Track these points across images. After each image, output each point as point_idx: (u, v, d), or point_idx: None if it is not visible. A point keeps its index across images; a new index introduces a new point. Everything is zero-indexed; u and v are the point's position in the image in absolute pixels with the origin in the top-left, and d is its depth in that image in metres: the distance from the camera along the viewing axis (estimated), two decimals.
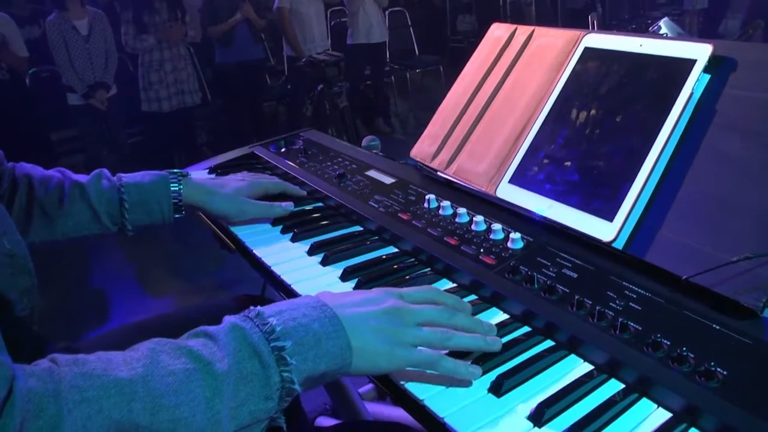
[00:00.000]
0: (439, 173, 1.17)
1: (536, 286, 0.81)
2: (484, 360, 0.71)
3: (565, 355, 0.73)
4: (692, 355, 0.64)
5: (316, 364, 0.63)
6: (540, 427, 0.62)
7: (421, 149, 1.23)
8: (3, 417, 0.49)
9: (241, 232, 1.11)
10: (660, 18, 2.71)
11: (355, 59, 5.42)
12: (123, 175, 1.10)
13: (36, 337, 0.86)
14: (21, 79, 4.57)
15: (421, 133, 1.26)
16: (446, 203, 1.03)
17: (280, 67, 6.10)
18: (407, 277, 0.93)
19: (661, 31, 2.46)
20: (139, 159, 4.84)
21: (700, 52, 0.86)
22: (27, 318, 0.82)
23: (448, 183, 1.14)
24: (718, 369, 0.61)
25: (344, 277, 0.93)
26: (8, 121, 4.10)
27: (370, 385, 1.79)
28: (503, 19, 6.62)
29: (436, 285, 0.89)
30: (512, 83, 1.13)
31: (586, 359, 0.71)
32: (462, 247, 0.92)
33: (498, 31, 1.23)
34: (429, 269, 0.94)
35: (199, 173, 1.40)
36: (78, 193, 1.05)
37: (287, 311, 0.66)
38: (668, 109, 0.86)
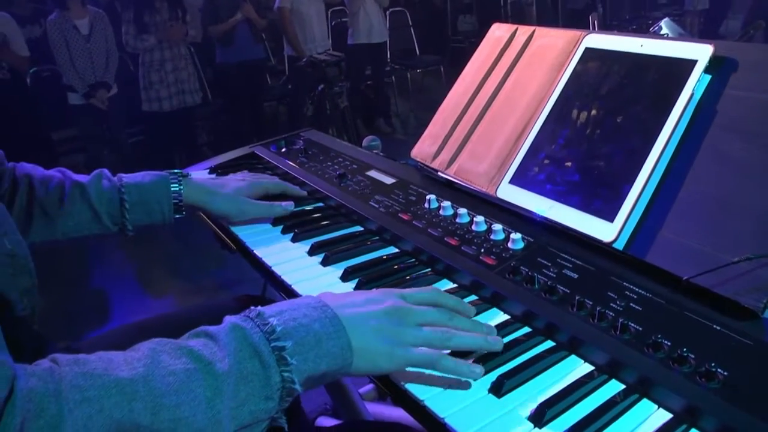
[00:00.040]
0: (439, 173, 1.17)
1: (537, 286, 0.81)
2: (485, 360, 0.71)
3: (566, 356, 0.73)
4: (693, 356, 0.64)
5: (317, 364, 0.63)
6: (540, 427, 0.62)
7: (422, 149, 1.23)
8: (4, 417, 0.49)
9: (242, 232, 1.11)
10: (661, 18, 2.71)
11: (356, 59, 5.42)
12: (123, 175, 1.10)
13: (37, 337, 0.86)
14: (22, 78, 4.57)
15: (422, 134, 1.26)
16: (447, 203, 1.03)
17: (280, 67, 6.10)
18: (408, 277, 0.93)
19: (662, 32, 2.46)
20: (139, 158, 4.84)
21: (701, 52, 0.86)
22: (28, 318, 0.82)
23: (449, 183, 1.14)
24: (719, 370, 0.61)
25: (345, 277, 0.93)
26: (9, 121, 4.11)
27: (371, 386, 1.80)
28: (504, 20, 6.64)
29: (436, 285, 0.89)
30: (513, 83, 1.13)
31: (586, 360, 0.71)
32: (462, 248, 0.92)
33: (499, 32, 1.23)
34: (429, 269, 0.94)
35: (199, 173, 1.40)
36: (78, 193, 1.05)
37: (288, 311, 0.66)
38: (669, 110, 0.86)
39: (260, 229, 1.12)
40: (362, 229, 1.10)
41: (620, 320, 0.70)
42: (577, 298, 0.76)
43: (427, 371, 0.69)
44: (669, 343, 0.66)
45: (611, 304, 0.74)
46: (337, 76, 3.80)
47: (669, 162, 0.85)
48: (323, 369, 0.64)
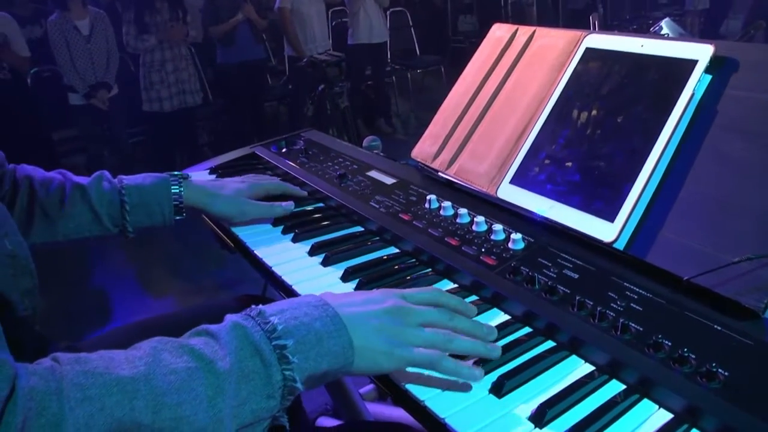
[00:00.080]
0: (440, 173, 1.17)
1: (537, 286, 0.81)
2: (485, 361, 0.71)
3: (566, 356, 0.73)
4: (693, 356, 0.64)
5: (318, 362, 0.64)
6: (541, 427, 0.62)
7: (422, 149, 1.23)
8: (5, 415, 0.49)
9: (242, 232, 1.11)
10: (661, 18, 2.70)
11: (356, 59, 5.42)
12: (124, 177, 1.11)
13: (38, 337, 0.86)
14: (22, 78, 4.57)
15: (422, 134, 1.26)
16: (447, 204, 1.03)
17: (281, 67, 6.10)
18: (408, 277, 0.93)
19: (663, 32, 2.46)
20: (140, 159, 4.85)
21: (702, 52, 0.86)
22: (29, 318, 0.82)
23: (449, 183, 1.14)
24: (720, 370, 0.61)
25: (345, 277, 0.93)
26: (10, 121, 4.11)
27: (371, 386, 1.80)
28: (504, 20, 6.64)
29: (437, 286, 0.89)
30: (513, 83, 1.13)
31: (587, 360, 0.72)
32: (463, 248, 0.92)
33: (499, 32, 1.23)
34: (430, 270, 0.94)
35: (199, 173, 1.40)
36: (79, 195, 1.05)
37: (289, 310, 0.66)
38: (669, 110, 0.86)
39: (261, 229, 1.13)
40: (363, 229, 1.10)
41: (621, 320, 0.70)
42: (577, 298, 0.76)
43: (427, 372, 0.69)
44: (670, 344, 0.66)
45: (612, 305, 0.74)
46: (337, 77, 3.79)
47: (669, 162, 0.85)
48: (324, 368, 0.64)
